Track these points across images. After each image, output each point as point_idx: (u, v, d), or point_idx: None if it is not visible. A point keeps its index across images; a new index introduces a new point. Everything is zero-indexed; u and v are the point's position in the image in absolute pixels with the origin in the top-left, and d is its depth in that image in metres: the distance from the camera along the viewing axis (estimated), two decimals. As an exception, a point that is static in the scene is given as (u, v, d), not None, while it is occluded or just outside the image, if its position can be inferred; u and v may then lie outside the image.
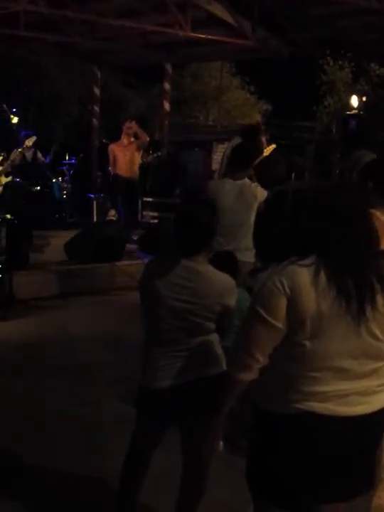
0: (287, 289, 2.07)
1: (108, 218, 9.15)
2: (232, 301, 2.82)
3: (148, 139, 8.45)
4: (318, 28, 9.70)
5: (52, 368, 4.90)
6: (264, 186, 5.03)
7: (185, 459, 2.90)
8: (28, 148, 8.70)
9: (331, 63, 20.10)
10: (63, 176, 10.01)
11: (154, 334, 2.85)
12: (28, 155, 9.29)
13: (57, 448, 3.69)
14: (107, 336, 5.66)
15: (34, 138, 8.84)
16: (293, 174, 10.55)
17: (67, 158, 9.92)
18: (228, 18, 9.42)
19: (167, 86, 12.06)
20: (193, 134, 13.81)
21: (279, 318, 2.09)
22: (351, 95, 13.43)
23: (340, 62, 19.84)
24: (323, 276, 2.08)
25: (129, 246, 8.13)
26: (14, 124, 9.68)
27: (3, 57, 13.42)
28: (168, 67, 12.03)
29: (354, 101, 12.65)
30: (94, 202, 9.11)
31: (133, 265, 7.48)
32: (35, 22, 9.67)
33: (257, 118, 20.72)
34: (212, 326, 2.82)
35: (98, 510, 3.14)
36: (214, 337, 2.87)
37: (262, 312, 2.10)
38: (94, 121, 12.19)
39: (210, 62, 17.29)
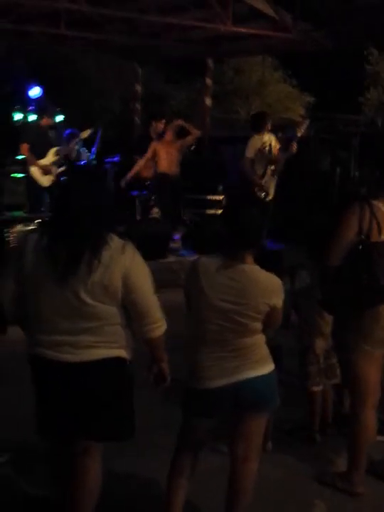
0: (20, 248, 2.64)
1: (151, 216, 9.13)
2: (278, 301, 2.79)
3: (199, 132, 8.38)
4: (362, 19, 9.49)
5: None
6: None
7: (234, 454, 2.88)
8: (81, 140, 8.71)
9: (376, 54, 19.68)
10: (106, 173, 10.03)
11: (200, 334, 2.82)
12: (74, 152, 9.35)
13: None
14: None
15: (89, 131, 8.85)
16: (337, 168, 10.37)
17: (108, 155, 9.93)
18: (270, 11, 9.28)
19: (209, 81, 11.96)
20: (235, 128, 13.70)
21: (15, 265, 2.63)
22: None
23: (385, 53, 19.43)
24: (44, 241, 2.56)
25: (172, 243, 8.11)
26: (59, 122, 9.65)
27: (45, 56, 13.56)
28: (210, 62, 11.94)
29: (400, 92, 12.34)
30: (137, 199, 9.09)
31: (176, 262, 7.47)
32: (76, 20, 9.70)
33: (300, 111, 20.46)
34: (258, 326, 2.79)
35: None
36: (260, 337, 2.83)
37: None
38: (136, 119, 12.21)
39: (252, 56, 17.11)
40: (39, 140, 8.34)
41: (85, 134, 8.66)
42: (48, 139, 8.53)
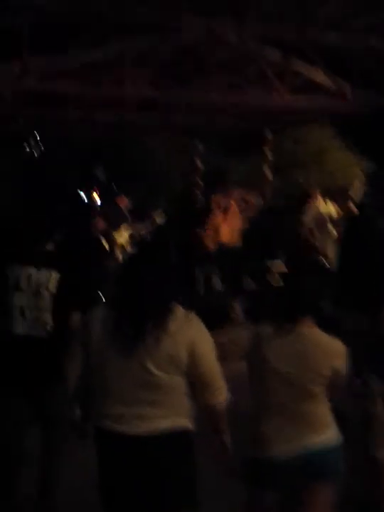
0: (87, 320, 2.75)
1: (212, 287, 9.20)
2: (341, 365, 2.78)
3: (261, 203, 8.56)
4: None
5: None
6: None
7: None
8: (153, 221, 9.09)
9: None
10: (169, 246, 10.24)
11: (262, 401, 2.82)
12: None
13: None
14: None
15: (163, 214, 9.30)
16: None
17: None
18: (327, 82, 9.42)
19: (268, 152, 12.18)
20: (295, 198, 13.76)
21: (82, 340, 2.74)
22: None
23: None
24: (111, 315, 2.63)
25: (233, 314, 8.14)
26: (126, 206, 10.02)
27: (110, 137, 14.12)
28: (268, 134, 12.17)
29: None
30: (198, 271, 9.21)
31: (237, 332, 7.44)
32: (139, 104, 10.16)
33: (361, 177, 20.41)
34: (321, 390, 2.77)
35: None
36: (324, 403, 2.81)
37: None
38: (197, 193, 12.50)
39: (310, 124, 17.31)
40: (114, 217, 8.83)
41: (159, 216, 9.08)
42: (123, 216, 9.00)
